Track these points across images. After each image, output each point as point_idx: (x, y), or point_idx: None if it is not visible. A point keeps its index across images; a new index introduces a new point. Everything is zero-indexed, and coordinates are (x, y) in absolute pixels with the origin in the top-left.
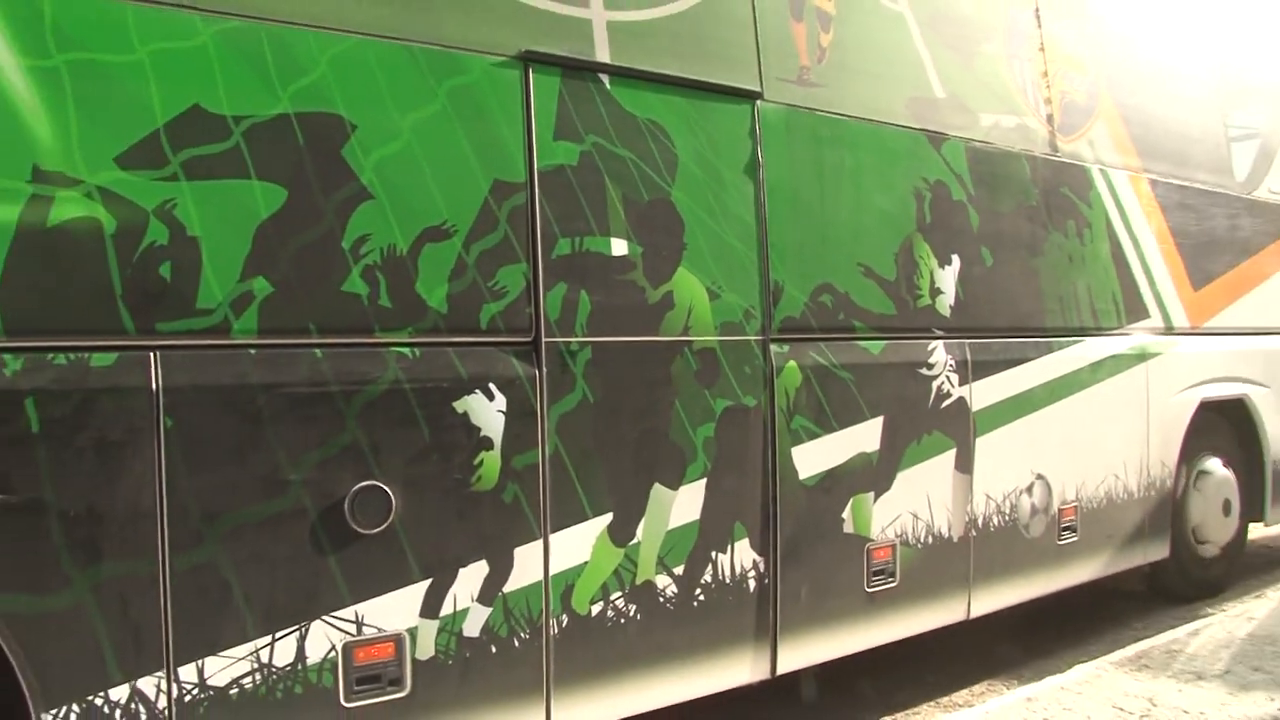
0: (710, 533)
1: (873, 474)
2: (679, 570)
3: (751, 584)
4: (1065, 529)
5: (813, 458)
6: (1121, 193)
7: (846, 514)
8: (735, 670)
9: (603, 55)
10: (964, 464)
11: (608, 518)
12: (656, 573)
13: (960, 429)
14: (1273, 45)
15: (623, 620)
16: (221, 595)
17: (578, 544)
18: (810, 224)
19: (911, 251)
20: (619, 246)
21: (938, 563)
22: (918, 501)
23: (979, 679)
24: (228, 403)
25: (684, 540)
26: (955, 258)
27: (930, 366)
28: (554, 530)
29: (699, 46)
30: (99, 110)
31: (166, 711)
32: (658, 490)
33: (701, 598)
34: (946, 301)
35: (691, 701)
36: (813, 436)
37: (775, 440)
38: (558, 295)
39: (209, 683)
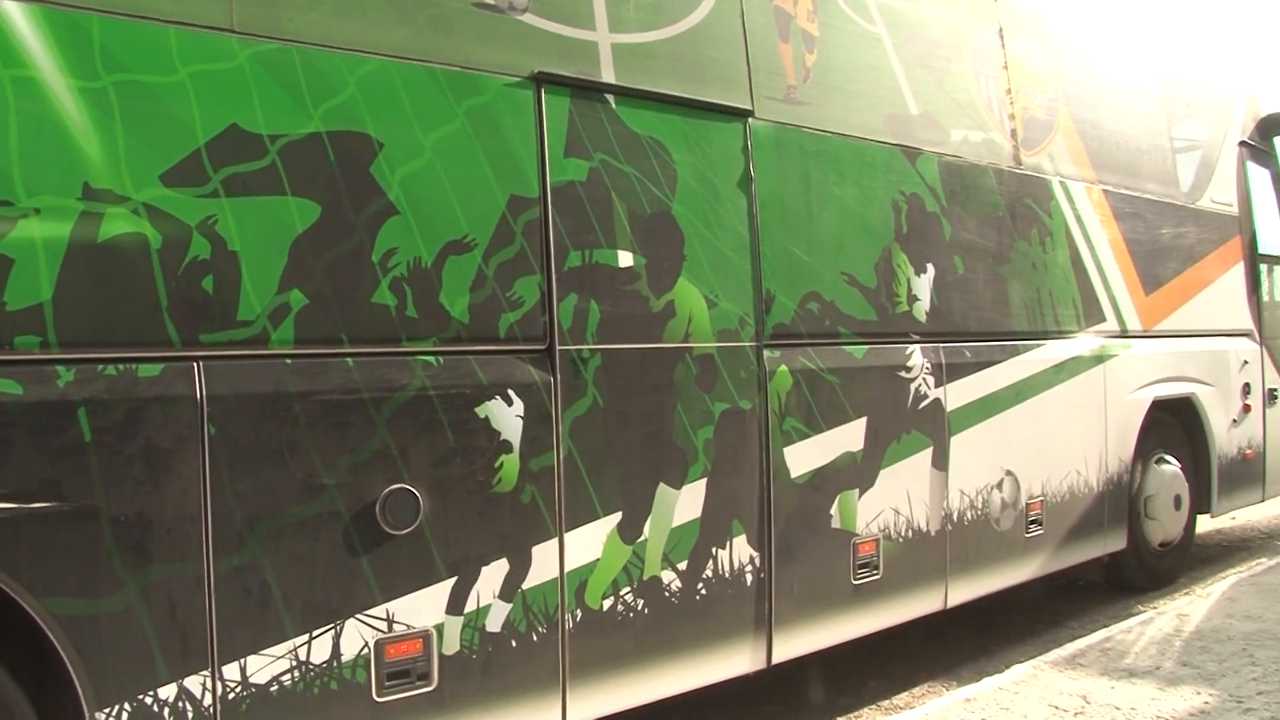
0: (711, 530)
1: (858, 472)
2: (683, 566)
3: (749, 578)
4: (1032, 522)
5: (803, 457)
6: (1079, 203)
7: (834, 510)
8: (734, 661)
9: (608, 76)
10: (940, 461)
11: (618, 516)
12: (662, 568)
13: (936, 428)
14: (1209, 63)
15: (632, 614)
16: (262, 596)
17: (590, 542)
18: (798, 235)
19: (890, 260)
20: (625, 258)
21: (917, 556)
22: (898, 497)
23: (920, 681)
24: (266, 411)
25: (687, 537)
26: (930, 266)
27: (908, 369)
28: (569, 529)
29: (696, 67)
30: (144, 130)
31: (212, 709)
32: (663, 490)
33: (703, 592)
34: (923, 308)
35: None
36: (803, 437)
37: (769, 441)
38: (569, 305)
39: (251, 680)
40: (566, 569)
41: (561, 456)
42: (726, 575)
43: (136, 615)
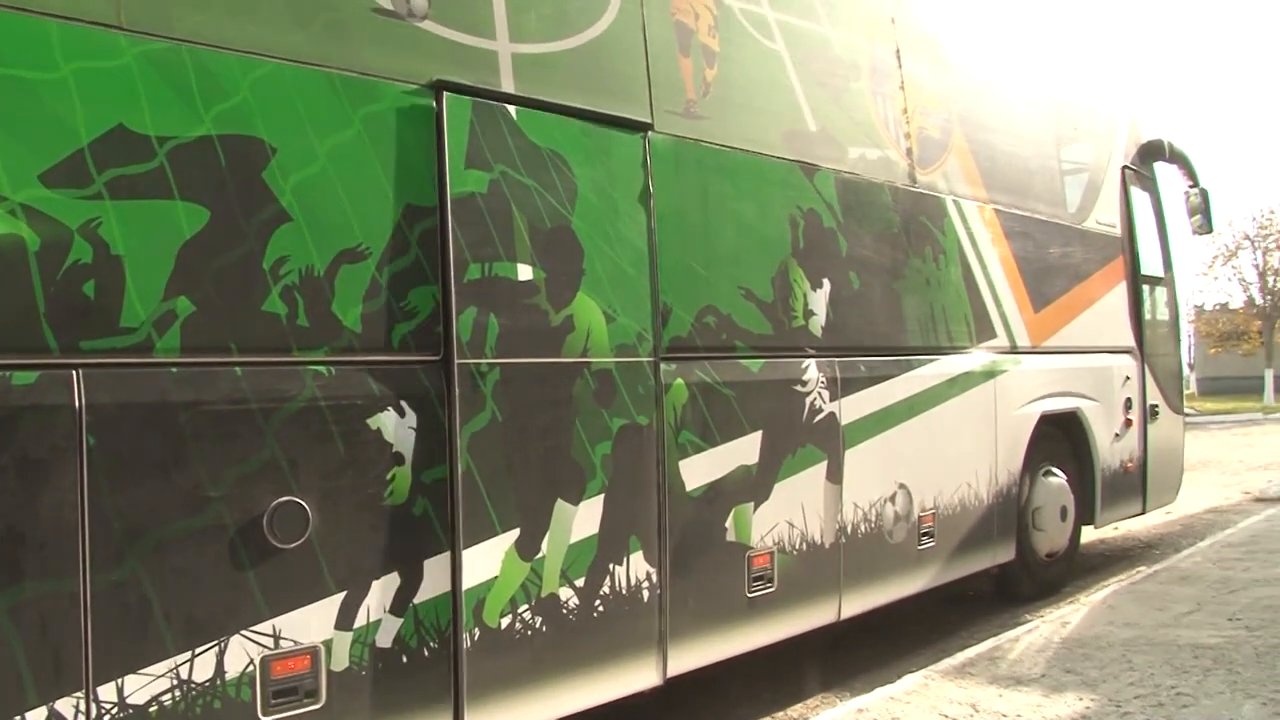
0: (608, 546)
1: (752, 485)
2: (580, 582)
3: (645, 594)
4: (924, 535)
5: (699, 470)
6: (971, 221)
7: (729, 523)
8: (631, 678)
9: (508, 86)
10: (834, 475)
11: (516, 533)
12: (560, 585)
13: (831, 442)
14: (1096, 90)
15: (530, 632)
16: (142, 613)
17: (489, 559)
18: (695, 249)
19: (787, 275)
20: (525, 271)
21: (811, 568)
22: (793, 511)
23: (814, 692)
24: (150, 421)
25: (585, 553)
26: (826, 281)
27: (804, 384)
28: (467, 545)
29: (596, 79)
30: (23, 127)
31: None
32: (560, 506)
33: (600, 608)
34: (818, 322)
35: None
36: (698, 450)
37: (665, 455)
38: (469, 317)
39: (129, 701)
40: (464, 586)
41: (460, 472)
42: (623, 591)
43: (4, 635)
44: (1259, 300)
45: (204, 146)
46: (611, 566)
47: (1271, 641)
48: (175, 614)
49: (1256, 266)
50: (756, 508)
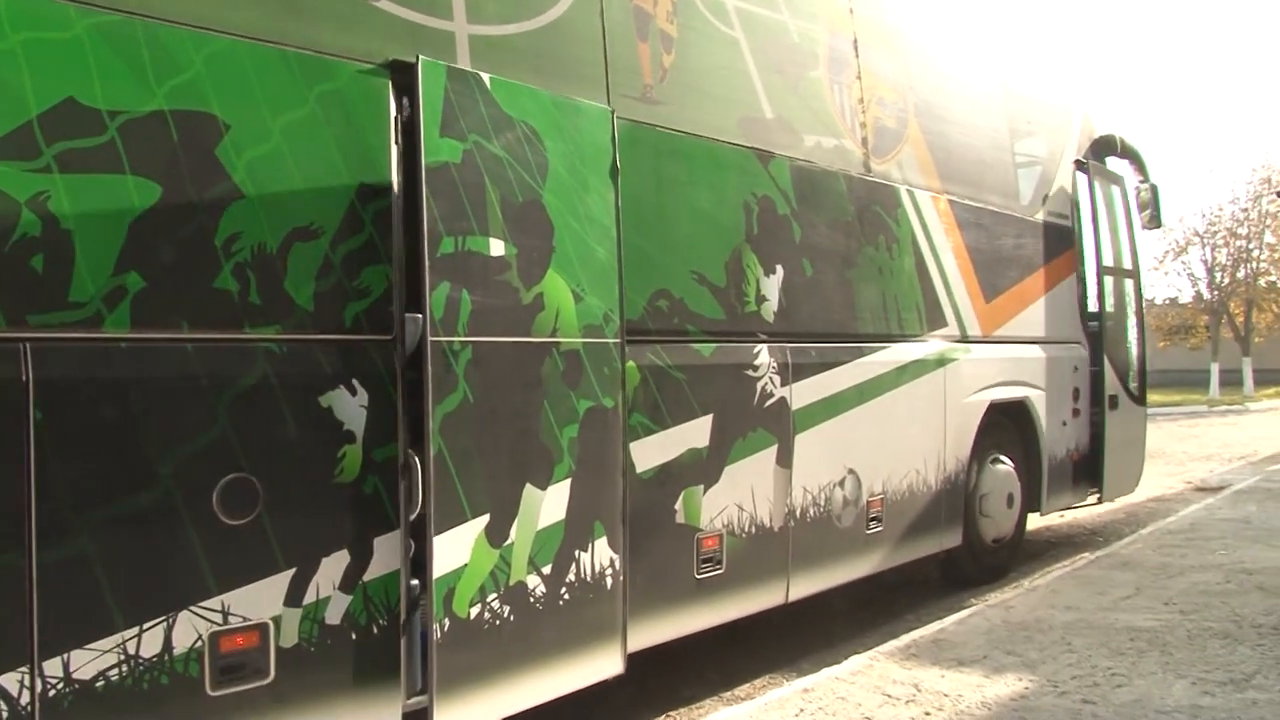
0: (574, 532)
1: (703, 468)
2: (547, 570)
3: (609, 580)
4: (873, 519)
5: (650, 453)
6: (925, 211)
7: (679, 505)
8: (594, 666)
9: (464, 66)
10: (784, 459)
11: (486, 518)
12: (528, 573)
13: (781, 427)
14: (1050, 85)
15: (498, 622)
16: (89, 588)
17: (459, 546)
18: (650, 233)
19: (740, 261)
20: (497, 246)
21: (760, 551)
22: (743, 494)
23: (761, 673)
24: (99, 396)
25: (551, 540)
26: (779, 267)
27: (755, 368)
28: (438, 532)
29: (554, 62)
30: None
31: (30, 707)
32: (529, 491)
33: (566, 596)
34: (771, 308)
35: None
36: (650, 433)
37: (626, 438)
38: (441, 294)
39: (75, 676)
40: (435, 575)
41: (431, 455)
42: (588, 579)
43: None
44: (1207, 295)
45: (156, 121)
46: (577, 553)
47: (1204, 624)
48: (123, 589)
49: (1205, 262)
50: (706, 490)
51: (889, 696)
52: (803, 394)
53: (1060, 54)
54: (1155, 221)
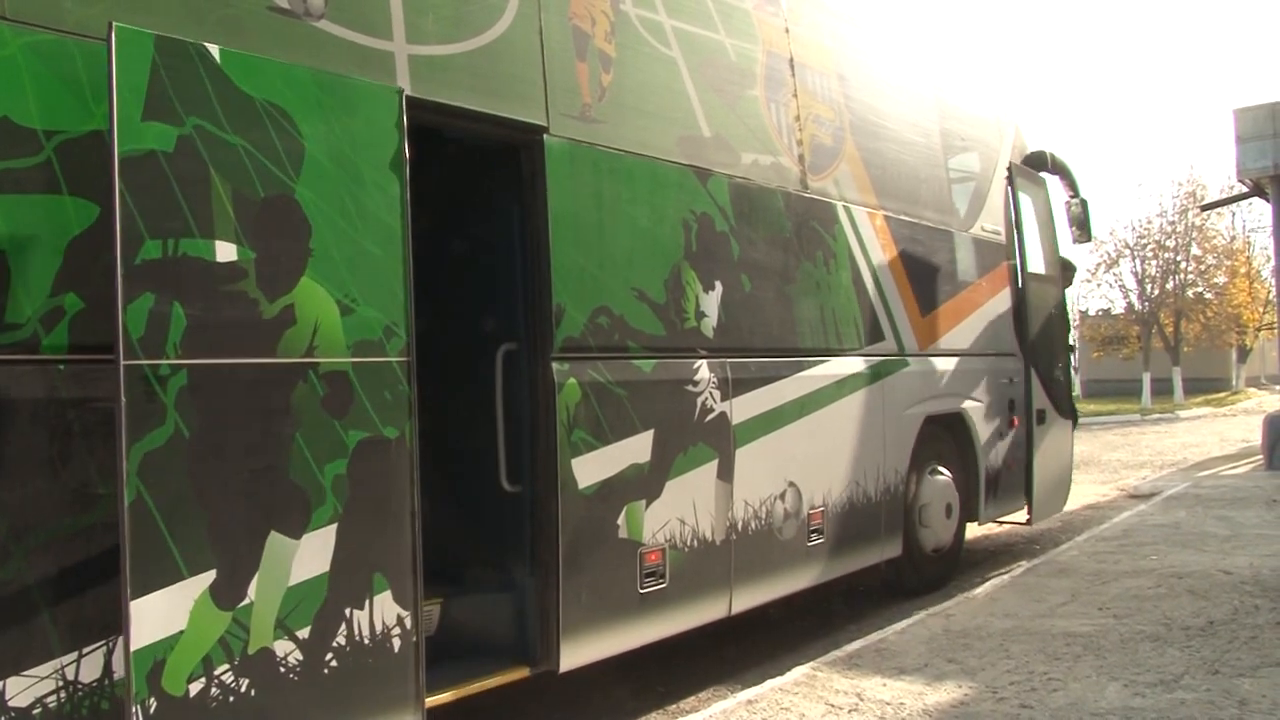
0: (341, 586)
1: (645, 483)
2: (303, 633)
3: (395, 641)
4: (814, 531)
5: (591, 469)
6: (862, 227)
7: (621, 520)
8: None
9: (404, 86)
10: (725, 473)
11: (211, 575)
12: (276, 638)
13: (722, 441)
14: (982, 101)
15: (232, 699)
16: None
17: (170, 610)
18: (589, 251)
19: (680, 277)
20: (225, 251)
21: (703, 564)
22: (685, 508)
23: (706, 685)
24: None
25: (310, 597)
26: (718, 284)
27: (696, 384)
28: (136, 595)
29: (493, 82)
30: None
31: None
32: (275, 540)
33: (334, 664)
34: (710, 324)
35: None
36: (590, 449)
37: (558, 453)
38: (141, 308)
39: (11, 705)
40: (134, 646)
41: (127, 502)
42: (366, 640)
43: None
44: (1138, 306)
45: (95, 142)
46: (349, 612)
47: (1136, 628)
48: None
49: (1135, 274)
50: (648, 505)
51: (832, 706)
52: (743, 408)
53: (991, 72)
54: (1085, 236)
